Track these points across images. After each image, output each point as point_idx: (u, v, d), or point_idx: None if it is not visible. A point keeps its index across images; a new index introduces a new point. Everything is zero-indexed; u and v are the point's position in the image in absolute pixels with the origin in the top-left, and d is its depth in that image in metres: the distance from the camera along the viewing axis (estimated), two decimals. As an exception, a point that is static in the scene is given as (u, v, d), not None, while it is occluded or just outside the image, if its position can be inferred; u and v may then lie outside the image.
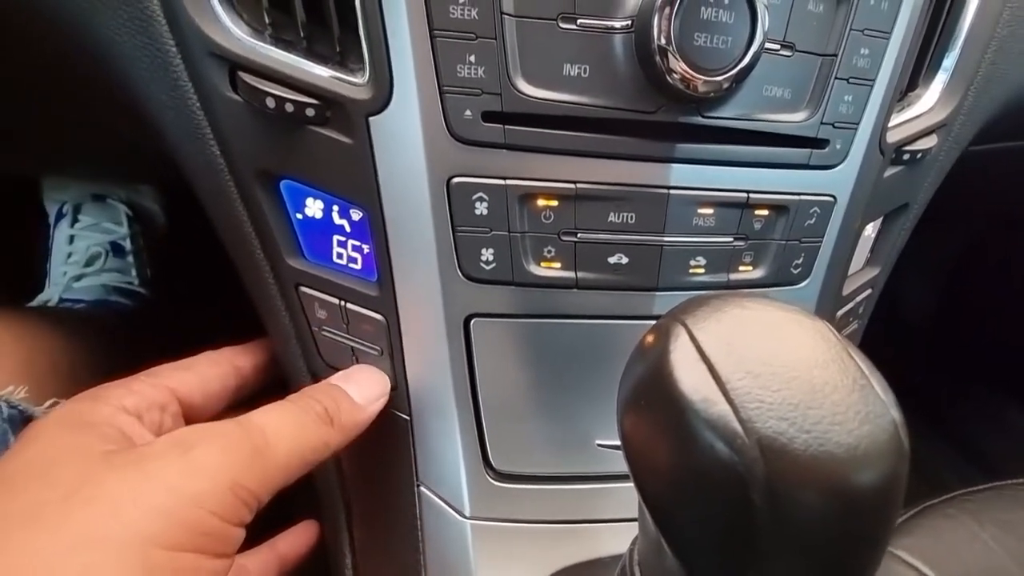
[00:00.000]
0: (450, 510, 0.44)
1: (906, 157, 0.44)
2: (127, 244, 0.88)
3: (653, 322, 0.39)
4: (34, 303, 0.82)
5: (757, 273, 0.41)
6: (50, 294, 0.83)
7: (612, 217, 0.37)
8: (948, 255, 1.41)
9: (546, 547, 0.45)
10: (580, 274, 0.37)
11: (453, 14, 0.32)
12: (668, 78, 0.32)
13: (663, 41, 0.31)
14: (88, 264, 0.85)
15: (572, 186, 0.35)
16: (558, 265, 0.37)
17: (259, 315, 0.44)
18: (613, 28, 0.32)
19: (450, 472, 0.43)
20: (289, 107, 0.34)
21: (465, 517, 0.44)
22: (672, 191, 0.37)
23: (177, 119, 0.36)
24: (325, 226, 0.39)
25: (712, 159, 0.37)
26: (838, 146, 0.39)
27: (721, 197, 0.38)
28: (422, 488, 0.45)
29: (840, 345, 0.22)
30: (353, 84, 0.34)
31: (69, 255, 0.86)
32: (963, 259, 1.39)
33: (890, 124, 0.41)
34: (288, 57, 0.34)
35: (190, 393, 0.39)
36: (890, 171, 0.44)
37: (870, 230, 0.48)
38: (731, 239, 0.39)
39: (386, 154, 0.35)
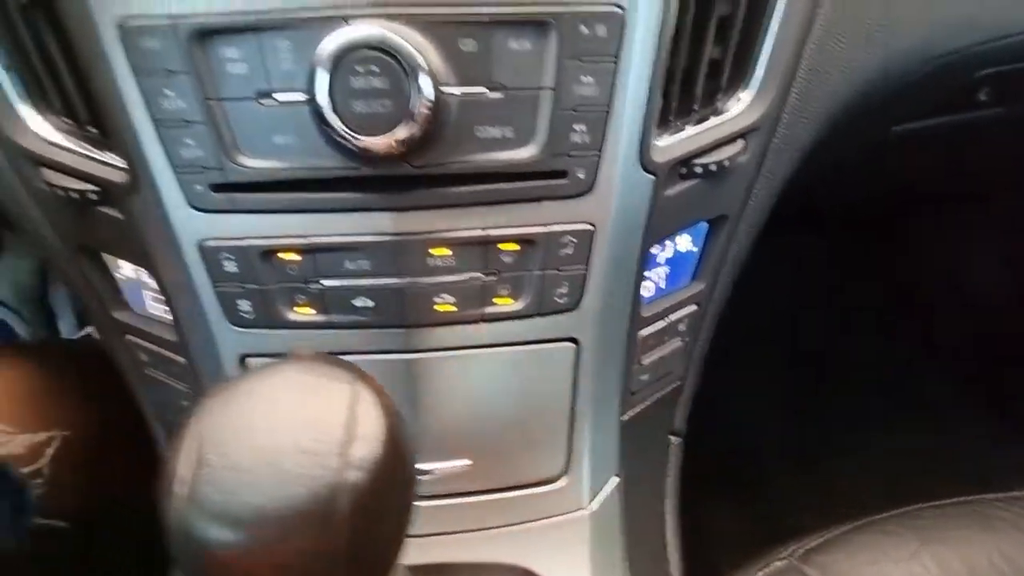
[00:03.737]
0: None
1: (698, 171, 0.42)
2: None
3: (416, 355, 0.43)
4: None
5: (517, 305, 0.42)
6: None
7: (349, 265, 0.40)
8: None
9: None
10: (333, 317, 0.41)
11: (166, 105, 0.36)
12: (341, 142, 0.35)
13: (327, 111, 0.34)
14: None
15: (305, 241, 0.39)
16: (312, 311, 0.41)
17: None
18: (299, 102, 0.36)
19: None
20: (75, 194, 0.40)
21: None
22: (399, 237, 0.39)
23: (11, 206, 0.44)
24: (136, 284, 0.46)
25: (439, 203, 0.39)
26: (580, 175, 0.39)
27: (455, 238, 0.39)
28: None
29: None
30: (116, 168, 0.39)
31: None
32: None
33: (661, 143, 0.40)
34: (75, 147, 0.40)
35: None
36: (679, 187, 0.43)
37: (688, 245, 0.47)
38: (479, 275, 0.41)
39: (149, 225, 0.40)
